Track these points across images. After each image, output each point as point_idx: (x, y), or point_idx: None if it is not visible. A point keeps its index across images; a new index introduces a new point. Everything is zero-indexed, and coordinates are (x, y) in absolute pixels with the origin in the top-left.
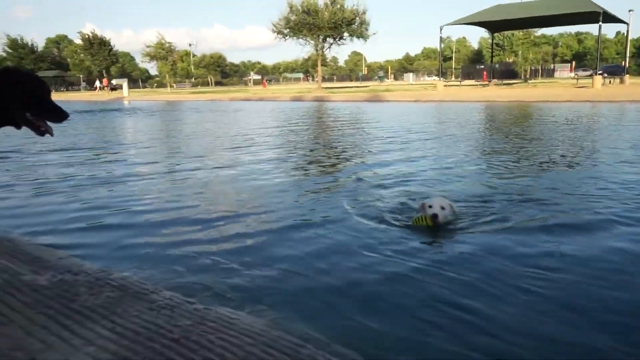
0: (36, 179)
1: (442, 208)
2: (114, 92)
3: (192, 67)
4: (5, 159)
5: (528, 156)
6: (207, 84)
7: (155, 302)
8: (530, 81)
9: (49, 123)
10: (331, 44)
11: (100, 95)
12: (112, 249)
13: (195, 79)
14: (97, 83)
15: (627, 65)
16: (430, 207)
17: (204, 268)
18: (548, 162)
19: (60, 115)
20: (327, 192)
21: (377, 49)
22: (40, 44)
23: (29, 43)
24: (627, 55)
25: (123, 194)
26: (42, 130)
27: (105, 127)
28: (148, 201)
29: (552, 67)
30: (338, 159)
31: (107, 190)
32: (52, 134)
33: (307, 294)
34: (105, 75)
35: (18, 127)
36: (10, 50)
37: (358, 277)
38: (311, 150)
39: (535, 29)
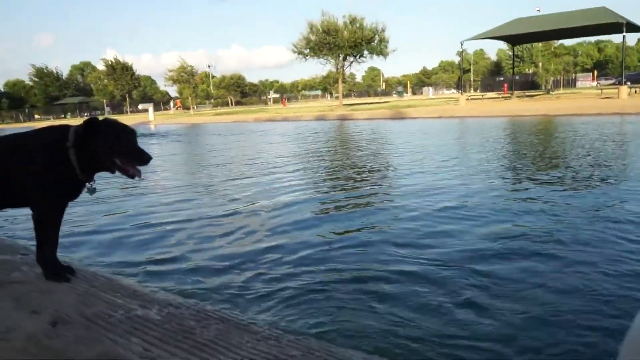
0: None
1: None
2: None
3: (212, 88)
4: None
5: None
6: (226, 104)
7: (259, 334)
8: (552, 92)
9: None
10: (351, 62)
11: (124, 119)
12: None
13: (215, 99)
14: (172, 104)
15: None
16: None
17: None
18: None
19: (144, 158)
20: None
21: (394, 64)
22: (65, 71)
23: (54, 71)
24: None
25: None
26: (130, 174)
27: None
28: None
29: (573, 77)
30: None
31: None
32: (140, 177)
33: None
34: (129, 99)
35: (112, 171)
36: (36, 79)
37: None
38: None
39: (555, 40)
